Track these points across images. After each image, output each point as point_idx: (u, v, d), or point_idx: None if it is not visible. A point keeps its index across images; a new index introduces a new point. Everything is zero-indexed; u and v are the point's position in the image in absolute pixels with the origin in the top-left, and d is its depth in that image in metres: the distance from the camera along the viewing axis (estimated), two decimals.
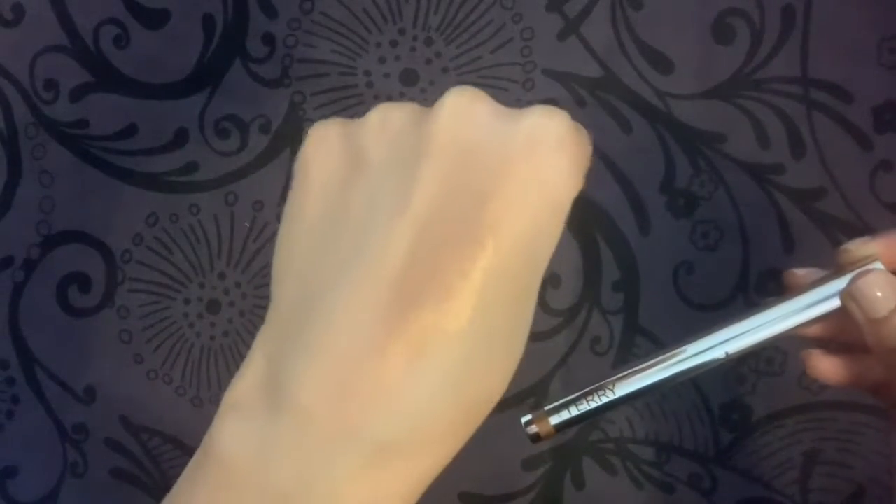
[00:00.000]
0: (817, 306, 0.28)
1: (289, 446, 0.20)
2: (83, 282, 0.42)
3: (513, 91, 0.39)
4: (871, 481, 0.37)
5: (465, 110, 0.23)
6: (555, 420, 0.26)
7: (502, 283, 0.21)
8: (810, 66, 0.36)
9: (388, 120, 0.23)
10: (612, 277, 0.39)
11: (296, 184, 0.24)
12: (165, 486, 0.42)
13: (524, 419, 0.26)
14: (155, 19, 0.41)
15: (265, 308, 0.45)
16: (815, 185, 0.36)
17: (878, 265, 0.28)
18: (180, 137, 0.41)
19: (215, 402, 0.41)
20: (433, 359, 0.20)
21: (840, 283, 0.28)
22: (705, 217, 0.37)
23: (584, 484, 0.39)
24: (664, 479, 0.38)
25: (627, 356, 0.38)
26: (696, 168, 0.37)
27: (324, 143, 0.24)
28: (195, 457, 0.23)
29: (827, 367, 0.30)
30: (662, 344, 0.38)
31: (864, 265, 0.28)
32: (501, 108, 0.23)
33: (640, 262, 0.38)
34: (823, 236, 0.36)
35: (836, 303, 0.28)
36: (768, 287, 0.37)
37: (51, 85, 0.42)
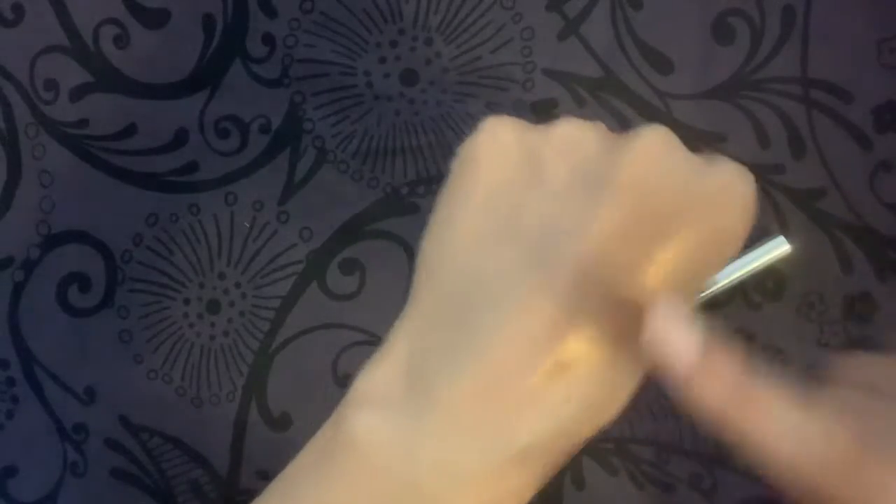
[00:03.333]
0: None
1: (433, 441, 0.21)
2: (83, 282, 0.42)
3: (513, 91, 0.39)
4: None
5: (657, 153, 0.23)
6: None
7: None
8: (810, 66, 0.36)
9: (575, 141, 0.23)
10: None
11: (461, 174, 0.24)
12: (165, 486, 0.42)
13: None
14: (155, 19, 0.41)
15: (265, 308, 0.45)
16: (815, 185, 0.36)
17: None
18: (180, 137, 0.41)
19: (215, 402, 0.41)
20: (577, 384, 0.21)
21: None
22: None
23: (584, 484, 0.39)
24: (664, 479, 0.38)
25: None
26: None
27: (499, 141, 0.24)
28: (319, 440, 0.23)
29: None
30: None
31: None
32: (692, 156, 0.23)
33: None
34: (823, 236, 0.36)
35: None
36: (767, 286, 0.37)
37: (51, 85, 0.42)
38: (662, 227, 0.22)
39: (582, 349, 0.21)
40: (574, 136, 0.23)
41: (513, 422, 0.21)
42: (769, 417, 0.20)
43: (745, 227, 0.23)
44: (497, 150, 0.24)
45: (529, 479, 0.22)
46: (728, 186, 0.23)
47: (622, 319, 0.21)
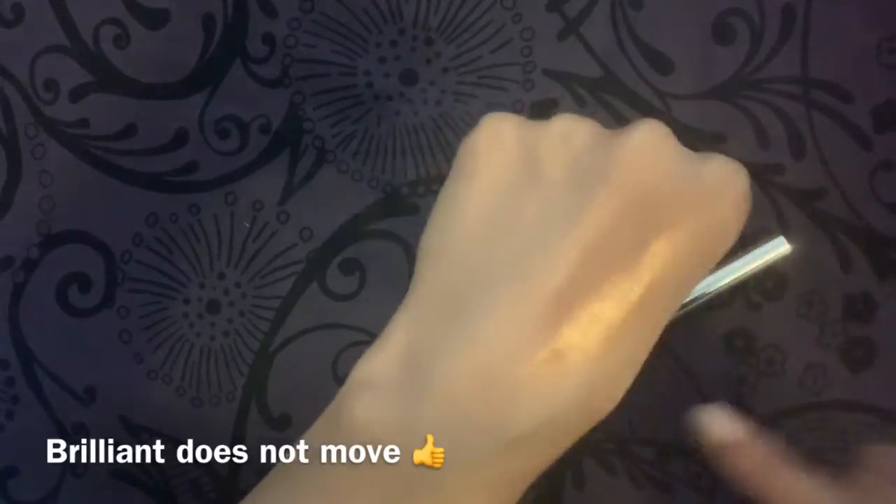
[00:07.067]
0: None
1: (431, 427, 0.22)
2: (83, 282, 0.42)
3: (513, 91, 0.39)
4: None
5: (651, 148, 0.23)
6: None
7: (645, 318, 0.23)
8: (810, 66, 0.36)
9: (571, 137, 0.24)
10: None
11: (461, 169, 0.25)
12: (165, 487, 0.42)
13: None
14: (155, 19, 0.41)
15: (265, 308, 0.45)
16: (815, 185, 0.36)
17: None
18: (180, 137, 0.41)
19: (215, 402, 0.41)
20: (572, 371, 0.22)
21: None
22: None
23: (584, 484, 0.39)
24: (664, 479, 0.38)
25: None
26: None
27: (498, 139, 0.25)
28: (319, 425, 0.24)
29: None
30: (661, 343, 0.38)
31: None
32: (687, 152, 0.24)
33: None
34: (823, 236, 0.36)
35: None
36: (767, 286, 0.37)
37: (51, 85, 0.42)
38: (656, 220, 0.23)
39: (576, 338, 0.22)
40: (570, 131, 0.24)
41: (508, 408, 0.22)
42: (795, 490, 0.24)
43: (738, 221, 0.24)
44: (497, 146, 0.24)
45: (529, 464, 0.23)
46: (721, 181, 0.24)
47: (617, 311, 0.22)
